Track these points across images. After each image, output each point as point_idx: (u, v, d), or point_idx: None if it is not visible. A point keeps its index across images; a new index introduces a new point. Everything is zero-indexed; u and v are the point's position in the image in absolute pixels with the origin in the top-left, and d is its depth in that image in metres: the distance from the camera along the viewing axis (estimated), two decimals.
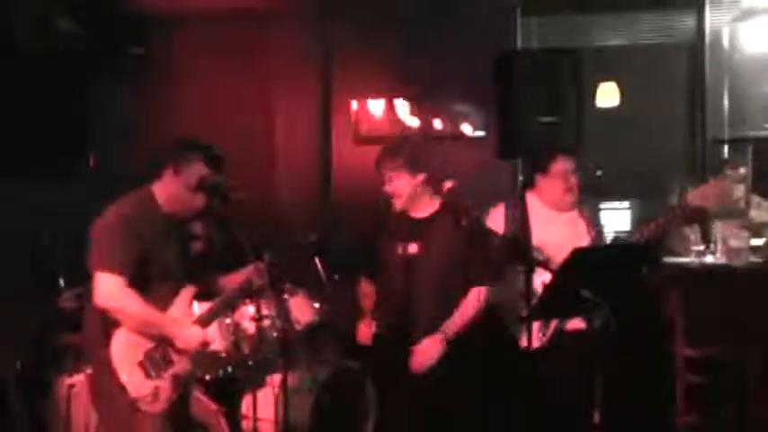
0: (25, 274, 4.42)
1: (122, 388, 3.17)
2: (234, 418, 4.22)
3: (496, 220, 3.90)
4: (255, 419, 4.21)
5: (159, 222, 3.32)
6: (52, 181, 4.75)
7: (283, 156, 5.84)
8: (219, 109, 5.57)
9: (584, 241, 3.81)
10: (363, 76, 5.75)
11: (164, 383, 3.25)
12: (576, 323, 3.70)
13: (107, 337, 3.20)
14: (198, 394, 4.05)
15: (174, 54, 5.61)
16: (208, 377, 4.20)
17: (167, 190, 3.35)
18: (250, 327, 4.20)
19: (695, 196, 3.73)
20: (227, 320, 4.21)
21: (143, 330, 3.22)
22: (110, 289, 3.15)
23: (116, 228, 3.20)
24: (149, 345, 3.25)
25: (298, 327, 4.23)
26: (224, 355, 4.20)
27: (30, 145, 4.74)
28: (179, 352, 3.30)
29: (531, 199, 3.98)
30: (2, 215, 4.36)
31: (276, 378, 4.11)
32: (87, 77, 5.15)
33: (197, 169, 3.32)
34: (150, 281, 3.25)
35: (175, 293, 3.36)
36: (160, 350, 3.27)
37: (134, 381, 3.19)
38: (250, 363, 4.19)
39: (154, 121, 5.42)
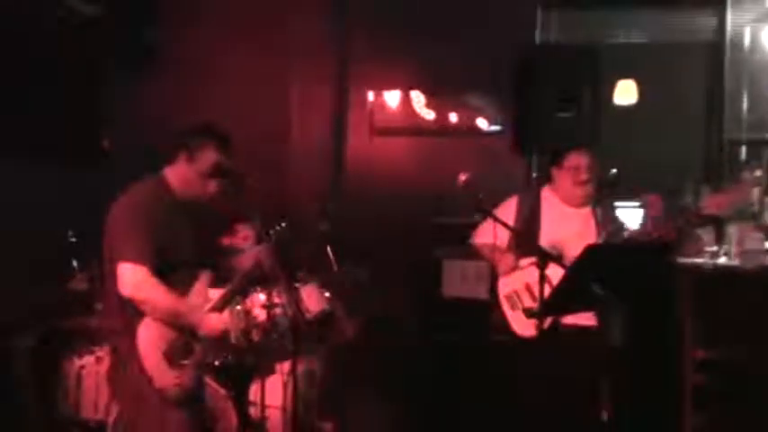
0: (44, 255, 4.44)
1: (149, 379, 3.17)
2: (242, 404, 4.23)
3: (508, 213, 3.90)
4: (264, 406, 4.24)
5: (174, 208, 3.32)
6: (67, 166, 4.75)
7: (298, 145, 5.85)
8: (235, 98, 5.57)
9: (593, 239, 3.80)
10: (380, 68, 5.74)
11: (186, 372, 3.26)
12: (581, 319, 3.69)
13: (131, 326, 3.19)
14: (207, 380, 4.07)
15: (191, 42, 5.61)
16: (217, 363, 4.22)
17: (181, 175, 3.35)
18: (261, 314, 4.20)
19: (709, 204, 3.71)
20: (238, 307, 4.21)
21: (167, 319, 3.22)
22: (135, 279, 3.13)
23: (135, 217, 3.19)
24: (172, 334, 3.25)
25: (308, 315, 4.23)
26: (234, 341, 4.21)
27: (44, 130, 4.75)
28: (200, 339, 3.31)
29: (547, 194, 3.98)
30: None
31: (285, 365, 4.11)
32: (102, 61, 5.15)
33: (210, 155, 3.32)
34: (167, 267, 3.23)
35: (192, 279, 3.37)
36: (182, 339, 3.28)
37: (160, 371, 3.19)
38: (259, 350, 4.20)
39: (168, 110, 5.43)
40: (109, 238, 3.22)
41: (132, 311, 3.18)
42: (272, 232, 3.61)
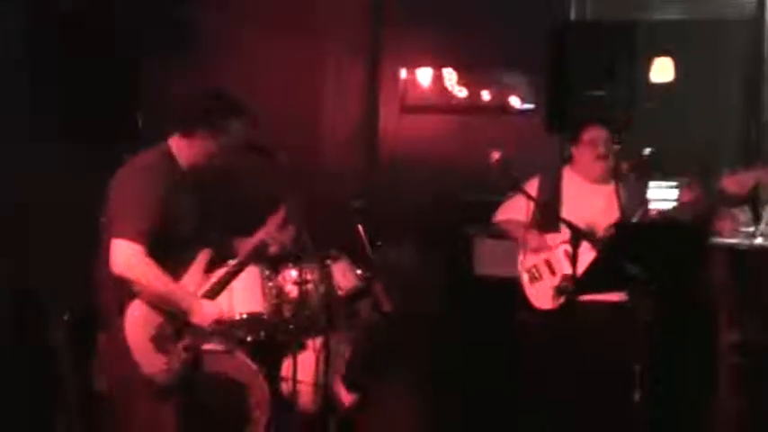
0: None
1: (136, 364, 3.05)
2: (274, 379, 4.27)
3: (530, 192, 3.89)
4: (295, 382, 4.27)
5: (179, 182, 3.16)
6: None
7: (330, 123, 5.84)
8: (267, 74, 5.58)
9: (616, 216, 3.80)
10: (413, 44, 5.71)
11: (174, 357, 3.15)
12: (611, 296, 3.68)
13: (122, 306, 3.07)
14: (240, 355, 4.11)
15: (221, 19, 5.61)
16: (249, 339, 4.25)
17: (195, 149, 3.18)
18: (293, 290, 4.23)
19: (730, 183, 3.69)
20: (270, 283, 4.25)
21: (158, 303, 3.09)
22: (128, 258, 3.00)
23: (138, 191, 3.04)
24: (161, 319, 3.12)
25: (340, 292, 4.25)
26: (266, 317, 4.24)
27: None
28: (191, 326, 3.18)
29: (568, 173, 3.99)
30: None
31: (317, 342, 4.14)
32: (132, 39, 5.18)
33: (238, 130, 3.20)
34: (166, 243, 3.09)
35: (191, 257, 3.25)
36: (172, 324, 3.16)
37: (147, 356, 3.08)
38: (291, 326, 4.23)
39: (198, 87, 5.43)
40: (108, 211, 3.10)
41: (123, 289, 3.05)
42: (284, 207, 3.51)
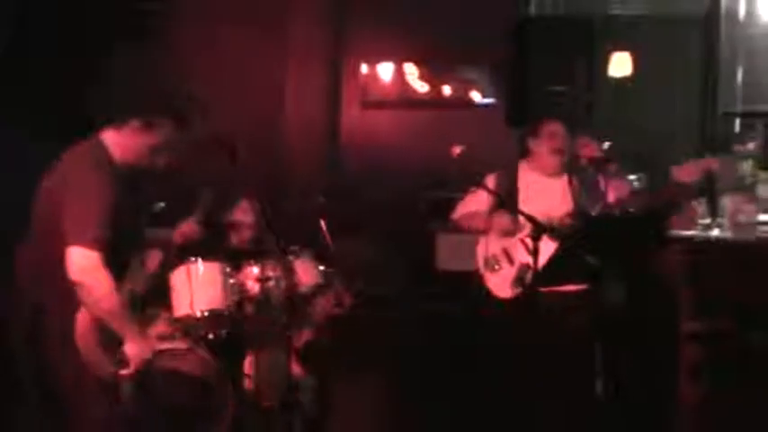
0: None
1: (85, 364, 2.94)
2: (237, 377, 4.24)
3: (490, 186, 3.93)
4: (259, 378, 4.25)
5: (117, 178, 2.97)
6: None
7: (292, 118, 5.81)
8: (228, 70, 5.54)
9: (570, 208, 3.86)
10: (374, 39, 5.70)
11: (127, 363, 3.00)
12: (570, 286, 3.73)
13: (71, 308, 2.91)
14: (201, 352, 4.07)
15: (188, 13, 5.56)
16: (211, 336, 4.22)
17: (126, 142, 3.01)
18: (254, 287, 4.21)
19: (680, 173, 3.79)
20: (232, 280, 4.21)
21: (102, 316, 2.92)
22: (86, 265, 2.82)
23: (93, 193, 2.87)
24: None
25: (302, 288, 4.23)
26: (227, 314, 4.21)
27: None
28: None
29: (524, 167, 4.02)
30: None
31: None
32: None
33: (166, 131, 3.02)
34: (110, 245, 2.90)
35: (131, 258, 3.11)
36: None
37: (95, 358, 2.96)
38: (253, 322, 4.21)
39: (163, 81, 5.39)
40: (52, 211, 2.89)
41: (72, 294, 2.87)
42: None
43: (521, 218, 3.68)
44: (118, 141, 3.01)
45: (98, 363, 2.98)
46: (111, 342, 2.98)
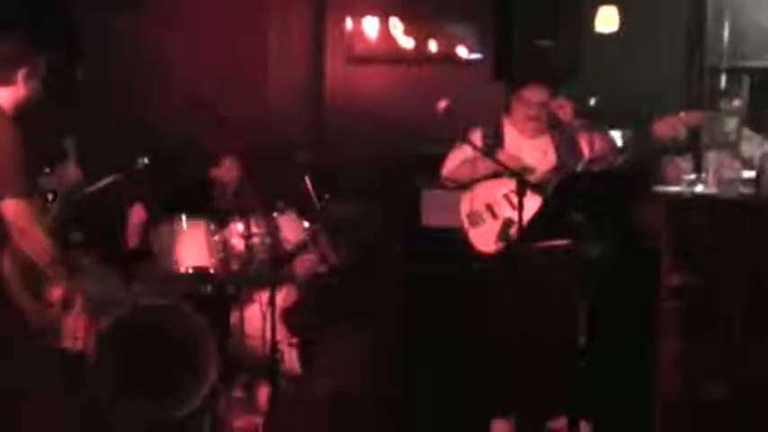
0: None
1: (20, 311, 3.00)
2: (222, 333, 4.25)
3: (476, 141, 3.91)
4: (243, 335, 4.27)
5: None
6: None
7: (275, 73, 5.75)
8: (211, 25, 5.47)
9: (553, 165, 3.87)
10: None
11: (55, 309, 3.11)
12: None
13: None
14: (186, 309, 4.08)
15: None
16: (195, 293, 4.22)
17: (19, 94, 3.02)
18: (239, 244, 4.21)
19: (660, 127, 3.81)
20: (216, 237, 4.21)
21: (40, 259, 2.97)
22: (21, 213, 2.90)
23: (13, 144, 2.92)
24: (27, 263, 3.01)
25: (287, 245, 4.23)
26: (212, 271, 4.21)
27: None
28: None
29: (507, 125, 4.00)
30: None
31: (264, 295, 4.12)
32: None
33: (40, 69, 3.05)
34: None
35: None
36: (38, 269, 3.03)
37: (24, 302, 3.02)
38: (238, 279, 4.22)
39: (141, 45, 5.32)
40: None
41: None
42: None
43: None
44: (9, 93, 3.01)
45: (27, 306, 3.00)
46: (34, 282, 3.02)
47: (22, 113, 3.05)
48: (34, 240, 2.95)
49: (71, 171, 3.70)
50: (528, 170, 3.62)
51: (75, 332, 3.34)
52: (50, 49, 3.17)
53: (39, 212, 3.20)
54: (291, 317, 4.36)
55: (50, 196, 3.61)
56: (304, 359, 4.37)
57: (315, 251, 4.33)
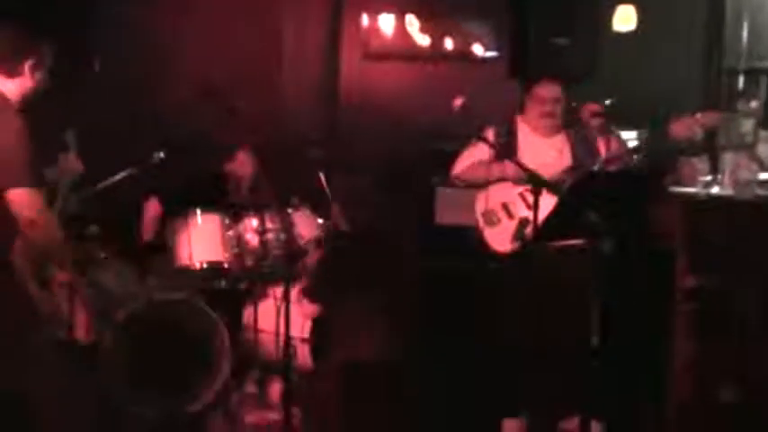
0: None
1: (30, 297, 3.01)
2: (235, 328, 4.27)
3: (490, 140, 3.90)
4: (256, 330, 4.28)
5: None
6: None
7: (291, 69, 5.75)
8: (227, 20, 5.47)
9: (568, 164, 3.86)
10: None
11: (59, 297, 3.15)
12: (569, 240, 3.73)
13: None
14: (200, 304, 4.09)
15: None
16: (209, 287, 4.23)
17: (26, 86, 3.03)
18: (253, 239, 4.22)
19: (676, 127, 3.79)
20: (230, 232, 4.22)
21: (52, 248, 3.03)
22: (34, 204, 2.91)
23: (22, 135, 2.92)
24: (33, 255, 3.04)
25: (301, 241, 4.23)
26: (226, 266, 4.22)
27: None
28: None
29: (520, 123, 3.99)
30: None
31: (278, 290, 4.13)
32: None
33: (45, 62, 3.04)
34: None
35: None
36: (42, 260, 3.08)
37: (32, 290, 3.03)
38: (252, 275, 4.23)
39: (161, 29, 5.33)
40: None
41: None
42: None
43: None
44: (17, 85, 3.01)
45: (37, 297, 3.02)
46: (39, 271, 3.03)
47: (29, 104, 3.05)
48: (43, 231, 2.95)
49: (72, 163, 3.70)
50: (538, 179, 3.52)
51: (86, 324, 3.35)
52: (58, 40, 3.15)
53: (47, 204, 3.17)
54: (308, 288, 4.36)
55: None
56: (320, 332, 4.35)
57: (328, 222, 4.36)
